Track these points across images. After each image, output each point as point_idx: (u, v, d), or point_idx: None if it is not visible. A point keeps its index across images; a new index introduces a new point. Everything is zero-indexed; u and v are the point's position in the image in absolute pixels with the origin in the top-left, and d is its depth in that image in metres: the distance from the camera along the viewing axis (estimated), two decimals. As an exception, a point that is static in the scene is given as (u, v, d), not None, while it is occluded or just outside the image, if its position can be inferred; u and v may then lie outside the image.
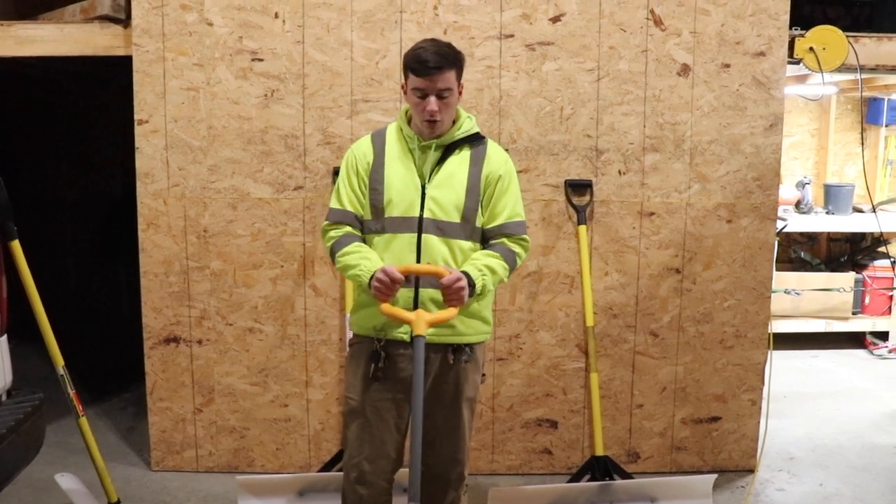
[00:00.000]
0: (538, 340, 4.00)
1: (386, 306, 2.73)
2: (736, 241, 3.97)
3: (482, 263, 2.81)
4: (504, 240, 2.89)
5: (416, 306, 2.82)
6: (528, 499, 3.58)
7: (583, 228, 3.84)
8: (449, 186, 2.84)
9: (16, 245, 3.10)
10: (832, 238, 6.73)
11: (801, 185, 6.25)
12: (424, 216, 2.82)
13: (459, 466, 3.03)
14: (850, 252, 6.59)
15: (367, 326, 2.86)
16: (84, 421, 3.22)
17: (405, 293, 2.80)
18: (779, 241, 6.10)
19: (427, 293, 2.81)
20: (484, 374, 3.04)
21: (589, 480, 3.68)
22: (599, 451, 3.71)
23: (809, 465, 4.32)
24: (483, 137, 2.93)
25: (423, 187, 2.83)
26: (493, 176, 2.87)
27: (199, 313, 3.99)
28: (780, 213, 5.84)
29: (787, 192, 6.14)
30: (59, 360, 3.17)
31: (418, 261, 2.82)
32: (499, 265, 2.84)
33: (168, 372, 4.05)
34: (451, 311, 2.74)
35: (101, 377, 5.33)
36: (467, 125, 2.88)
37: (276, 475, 3.85)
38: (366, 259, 2.79)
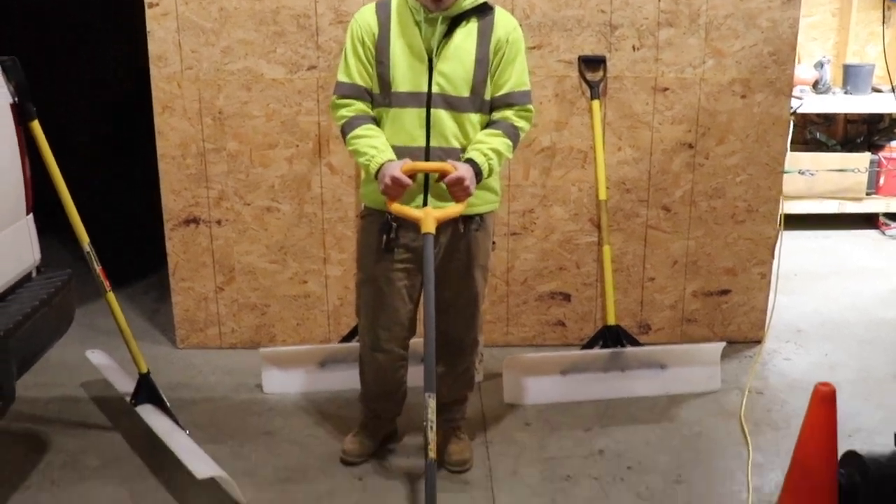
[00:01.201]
0: (551, 215, 4.06)
1: (395, 205, 2.80)
2: (750, 117, 3.96)
3: (487, 147, 2.83)
4: (508, 113, 2.89)
5: (426, 192, 2.88)
6: (542, 365, 3.71)
7: (596, 104, 3.83)
8: (457, 60, 2.83)
9: (36, 125, 3.12)
10: (850, 119, 6.67)
11: (820, 65, 6.15)
12: (433, 91, 2.83)
13: (473, 332, 3.13)
14: (868, 133, 6.54)
15: (378, 199, 2.90)
16: (111, 295, 3.32)
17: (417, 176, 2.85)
18: (794, 122, 6.06)
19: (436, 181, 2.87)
20: (494, 242, 3.11)
21: (601, 348, 3.79)
22: (611, 321, 3.80)
23: (816, 337, 4.42)
24: (491, 7, 2.89)
25: (431, 61, 2.83)
26: (500, 43, 2.85)
27: (217, 194, 4.06)
28: (795, 93, 5.80)
29: (804, 72, 6.05)
30: (85, 238, 3.23)
31: (428, 135, 2.84)
32: (503, 144, 2.86)
33: (189, 252, 4.14)
34: (458, 207, 2.81)
35: (122, 266, 5.44)
36: None
37: (298, 347, 3.99)
38: (373, 148, 2.81)
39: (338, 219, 4.05)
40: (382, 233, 2.94)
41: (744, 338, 4.26)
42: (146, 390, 3.44)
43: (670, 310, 4.20)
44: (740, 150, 4.00)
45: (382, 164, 2.78)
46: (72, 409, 3.77)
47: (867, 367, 4.09)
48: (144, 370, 3.43)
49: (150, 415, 3.38)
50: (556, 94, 3.91)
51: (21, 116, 3.06)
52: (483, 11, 2.86)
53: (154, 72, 3.93)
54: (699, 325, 4.23)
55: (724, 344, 3.82)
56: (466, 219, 2.92)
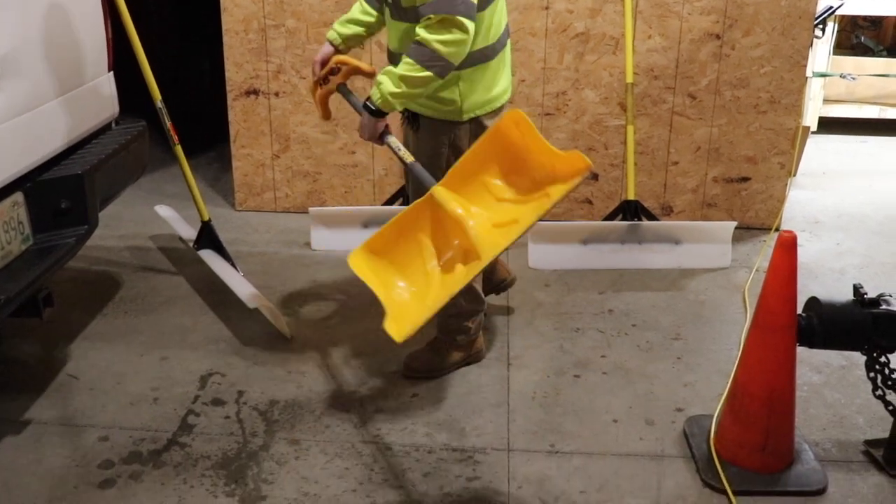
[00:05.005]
0: (583, 98, 4.32)
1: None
2: (776, 10, 4.13)
3: (381, 75, 2.77)
4: (419, 28, 2.65)
5: None
6: (565, 233, 4.03)
7: (628, -8, 4.05)
8: None
9: (115, -10, 3.46)
10: (900, 24, 6.68)
11: (869, -33, 6.17)
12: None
13: None
14: (917, 39, 6.55)
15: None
16: (179, 148, 3.69)
17: None
18: (840, 27, 6.12)
19: None
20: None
21: (620, 221, 4.08)
22: (631, 196, 4.04)
23: (831, 228, 4.64)
24: None
25: None
26: None
27: (275, 68, 4.40)
28: (840, -6, 5.83)
29: (852, -27, 6.09)
30: (157, 95, 3.60)
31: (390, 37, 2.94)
32: (402, 65, 2.70)
33: (249, 122, 4.52)
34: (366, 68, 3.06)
35: (187, 137, 5.83)
36: None
37: (344, 207, 4.37)
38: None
39: (384, 93, 4.36)
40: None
41: (761, 224, 4.51)
42: (207, 236, 3.86)
43: (692, 193, 4.47)
44: (765, 42, 4.18)
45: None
46: (142, 256, 4.24)
47: (873, 253, 4.32)
48: (206, 218, 3.84)
49: (210, 257, 3.81)
50: (593, -18, 4.14)
51: (103, -18, 3.39)
52: None
53: (220, -49, 4.25)
54: (719, 210, 4.50)
55: (735, 223, 4.08)
56: (412, 114, 3.00)
